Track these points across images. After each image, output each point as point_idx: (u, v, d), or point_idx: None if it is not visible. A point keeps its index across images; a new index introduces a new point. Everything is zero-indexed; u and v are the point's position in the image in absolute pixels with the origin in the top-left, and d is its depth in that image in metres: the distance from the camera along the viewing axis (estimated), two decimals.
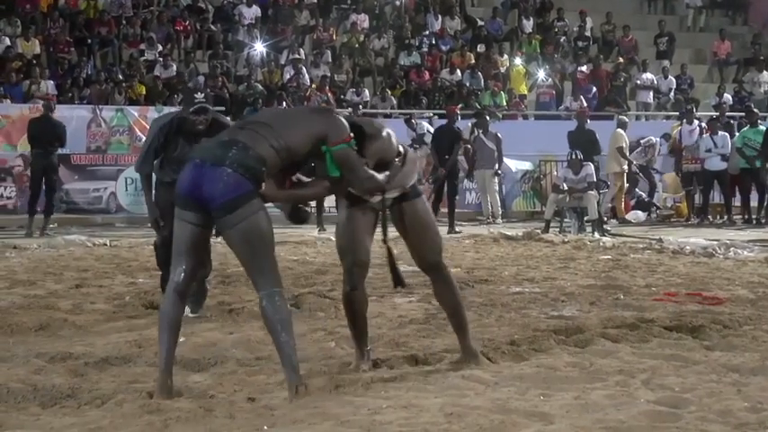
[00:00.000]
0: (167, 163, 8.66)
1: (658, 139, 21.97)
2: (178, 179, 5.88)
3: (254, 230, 5.70)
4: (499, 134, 20.08)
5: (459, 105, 22.90)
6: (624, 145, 20.27)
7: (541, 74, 26.88)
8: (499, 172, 20.29)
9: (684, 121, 22.07)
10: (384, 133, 6.30)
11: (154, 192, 8.83)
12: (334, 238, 15.53)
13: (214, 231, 6.09)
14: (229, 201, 5.63)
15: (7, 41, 24.06)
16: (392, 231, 6.51)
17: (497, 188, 20.50)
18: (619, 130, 20.57)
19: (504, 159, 20.53)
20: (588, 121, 21.01)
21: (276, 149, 5.77)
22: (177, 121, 8.65)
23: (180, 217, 5.84)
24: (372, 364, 6.48)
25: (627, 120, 21.37)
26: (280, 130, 5.86)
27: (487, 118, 20.74)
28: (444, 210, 18.18)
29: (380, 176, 6.15)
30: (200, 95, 8.63)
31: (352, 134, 5.99)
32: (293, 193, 6.19)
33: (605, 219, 18.61)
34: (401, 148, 6.42)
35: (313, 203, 18.57)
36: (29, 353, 6.93)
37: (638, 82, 27.41)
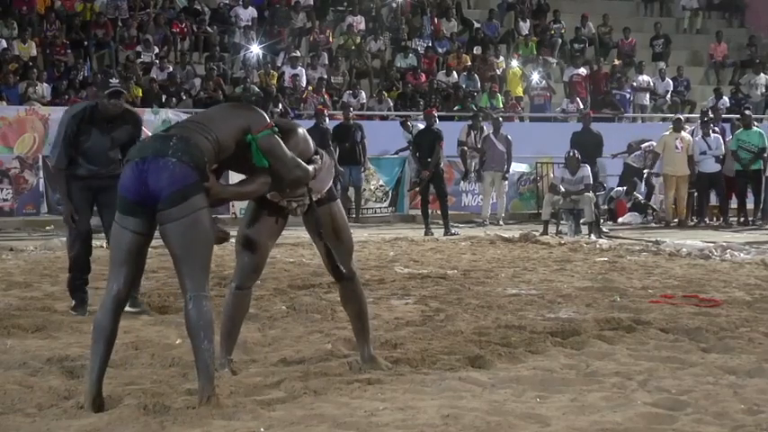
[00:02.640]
0: (79, 155, 8.77)
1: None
2: (120, 184, 5.66)
3: (197, 227, 5.55)
4: (509, 136, 20.09)
5: (436, 107, 22.98)
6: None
7: (536, 76, 26.90)
8: (507, 174, 20.32)
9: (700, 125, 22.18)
10: (300, 131, 6.29)
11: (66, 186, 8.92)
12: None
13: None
14: (177, 191, 5.49)
15: (4, 43, 24.03)
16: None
17: (506, 190, 20.54)
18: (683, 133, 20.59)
19: None
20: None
21: (210, 141, 5.69)
22: (90, 110, 8.77)
23: (121, 224, 5.64)
24: (231, 373, 6.35)
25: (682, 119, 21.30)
26: (208, 124, 5.79)
27: (480, 119, 20.76)
28: (437, 212, 18.19)
29: (311, 168, 6.14)
30: (114, 80, 8.83)
31: (272, 122, 5.98)
32: (237, 191, 6.13)
33: (602, 220, 18.59)
34: (319, 155, 6.41)
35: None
36: (25, 355, 6.93)
37: (635, 84, 27.43)
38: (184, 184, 5.50)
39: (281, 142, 5.95)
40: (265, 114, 6.02)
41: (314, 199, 6.31)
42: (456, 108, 25.25)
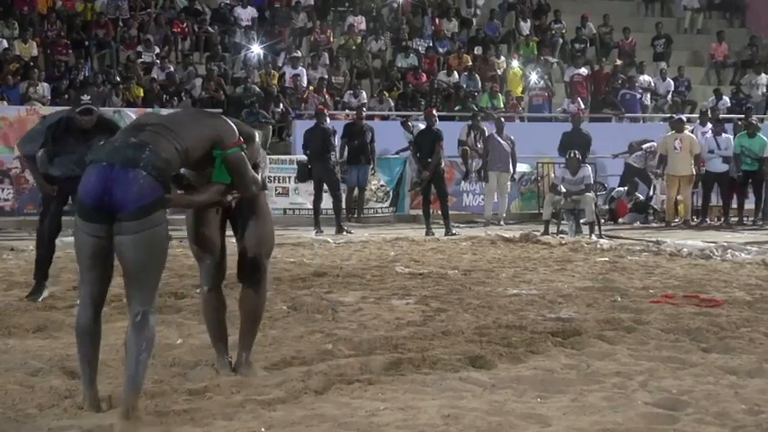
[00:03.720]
0: (58, 159, 9.20)
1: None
2: (81, 186, 5.50)
3: (155, 242, 5.44)
4: (512, 136, 20.10)
5: (437, 107, 23.01)
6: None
7: (534, 76, 26.91)
8: (515, 175, 20.33)
9: (698, 122, 22.19)
10: (257, 139, 6.27)
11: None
12: (331, 241, 15.67)
13: None
14: (142, 207, 5.34)
15: (4, 43, 24.04)
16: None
17: (509, 190, 20.55)
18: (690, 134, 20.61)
19: None
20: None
21: (179, 151, 5.55)
22: (65, 121, 9.21)
23: (83, 230, 5.48)
24: (231, 371, 6.39)
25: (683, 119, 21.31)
26: (178, 131, 5.63)
27: (479, 119, 20.77)
28: (438, 212, 18.19)
29: (258, 178, 6.14)
30: (86, 98, 9.23)
31: (241, 138, 5.92)
32: (191, 200, 5.99)
33: (602, 220, 18.58)
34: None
35: (309, 205, 18.63)
36: (26, 354, 6.93)
37: (636, 84, 27.41)
38: (150, 200, 5.36)
39: (246, 159, 5.91)
40: (235, 129, 5.92)
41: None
42: (456, 108, 25.24)
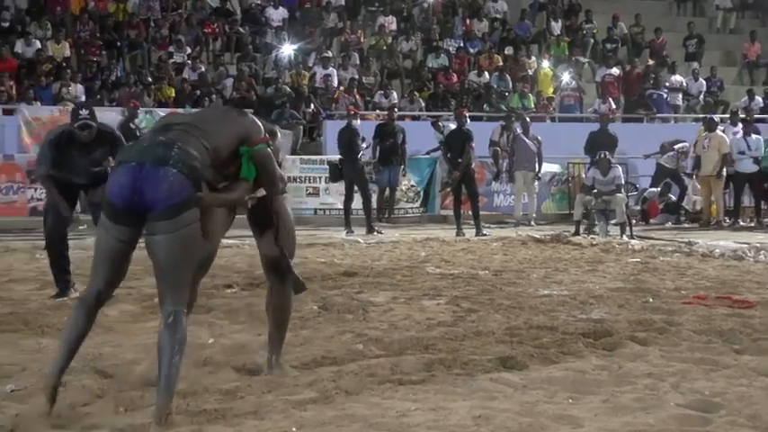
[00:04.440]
0: (62, 170, 9.47)
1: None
2: (109, 186, 5.47)
3: (189, 242, 5.37)
4: (539, 136, 20.09)
5: (468, 107, 23.02)
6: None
7: (566, 77, 26.85)
8: (540, 175, 20.29)
9: (729, 122, 22.08)
10: (279, 136, 6.26)
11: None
12: (362, 241, 15.70)
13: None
14: (174, 205, 5.29)
15: (38, 44, 24.23)
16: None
17: (537, 190, 20.52)
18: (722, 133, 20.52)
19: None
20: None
21: (208, 150, 5.50)
22: (67, 134, 9.45)
23: (108, 230, 5.46)
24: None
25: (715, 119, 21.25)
26: (207, 129, 5.60)
27: (512, 120, 20.74)
28: (469, 212, 18.19)
29: (284, 175, 6.16)
30: (84, 112, 9.39)
31: (267, 135, 5.91)
32: (225, 198, 5.87)
33: (633, 221, 18.51)
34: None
35: (340, 205, 18.66)
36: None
37: (668, 84, 27.32)
38: (182, 198, 5.30)
39: (273, 156, 5.91)
40: (261, 126, 5.92)
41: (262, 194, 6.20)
42: (484, 107, 25.25)
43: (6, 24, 25.02)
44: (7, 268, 11.51)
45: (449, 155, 18.38)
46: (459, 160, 17.80)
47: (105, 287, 5.55)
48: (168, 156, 5.33)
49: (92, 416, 5.43)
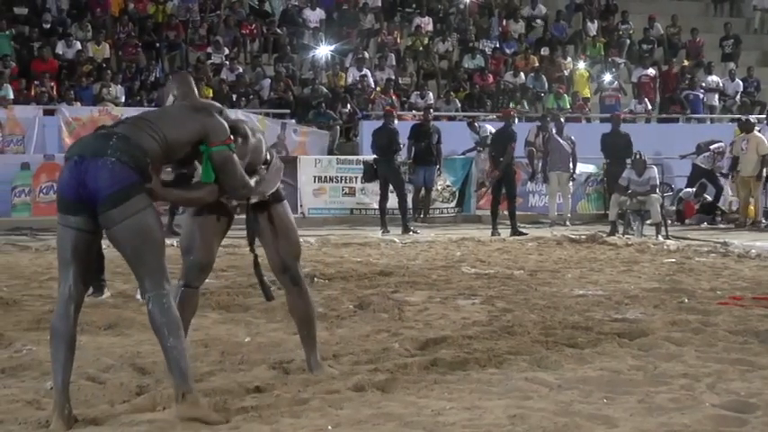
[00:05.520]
0: None
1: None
2: (58, 183, 5.55)
3: (143, 227, 5.36)
4: (573, 137, 20.07)
5: (515, 107, 22.99)
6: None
7: (608, 77, 26.80)
8: (575, 176, 20.27)
9: (765, 123, 21.96)
10: (254, 138, 6.10)
11: None
12: (398, 240, 15.74)
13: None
14: (116, 192, 5.29)
15: (78, 45, 24.42)
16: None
17: (572, 191, 20.50)
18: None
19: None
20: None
21: (157, 141, 5.48)
22: None
23: (64, 223, 5.43)
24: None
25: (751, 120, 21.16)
26: (158, 123, 5.58)
27: (548, 120, 20.71)
28: (505, 212, 18.18)
29: (252, 183, 5.99)
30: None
31: (232, 137, 5.80)
32: (183, 195, 5.94)
33: (669, 222, 18.43)
34: (268, 156, 6.30)
35: (376, 205, 18.69)
36: (98, 351, 7.04)
37: (704, 85, 27.19)
38: (124, 185, 5.31)
39: (236, 160, 5.78)
40: (226, 126, 5.79)
41: (255, 200, 6.20)
42: (515, 108, 25.25)
43: (48, 26, 25.22)
44: (48, 266, 11.62)
45: (493, 153, 18.38)
46: (501, 159, 17.82)
47: (74, 285, 5.47)
48: (105, 146, 5.35)
49: (130, 413, 5.46)
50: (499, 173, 17.80)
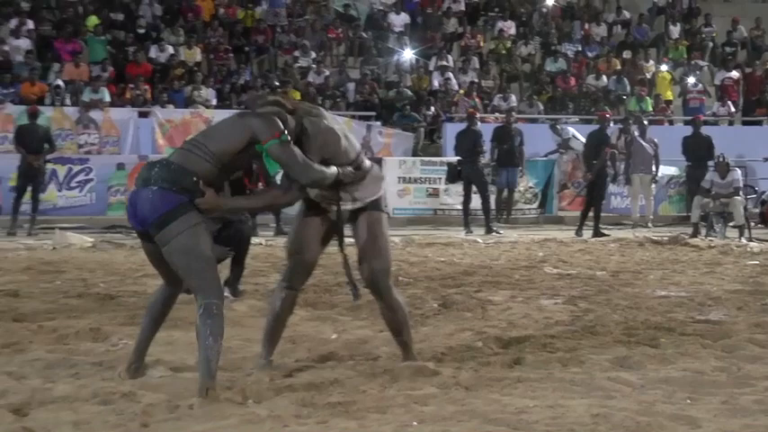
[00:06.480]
0: None
1: None
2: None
3: (187, 247, 5.80)
4: (655, 139, 20.00)
5: (608, 110, 22.93)
6: None
7: (692, 79, 26.60)
8: (657, 178, 20.19)
9: None
10: (328, 134, 6.21)
11: None
12: (481, 241, 15.80)
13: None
14: (159, 217, 5.78)
15: (170, 50, 24.91)
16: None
17: (654, 193, 20.42)
18: None
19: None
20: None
21: (206, 159, 5.87)
22: None
23: (142, 242, 6.12)
24: (270, 377, 6.32)
25: None
26: (204, 141, 5.96)
27: (630, 123, 20.64)
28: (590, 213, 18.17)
29: (323, 167, 6.09)
30: None
31: (284, 129, 5.97)
32: (240, 204, 6.52)
33: (752, 224, 18.27)
34: (367, 163, 6.39)
35: (459, 206, 18.77)
36: (190, 346, 7.02)
37: None
38: (165, 210, 5.77)
39: (293, 149, 5.97)
40: (273, 120, 6.00)
41: (354, 206, 6.34)
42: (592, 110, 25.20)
43: (142, 31, 25.77)
44: (142, 263, 11.75)
45: (586, 155, 18.39)
46: (594, 162, 17.82)
47: (167, 283, 6.23)
48: (149, 176, 5.87)
49: (221, 407, 5.55)
50: (591, 176, 17.82)
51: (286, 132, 5.96)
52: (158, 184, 5.79)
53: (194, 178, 5.82)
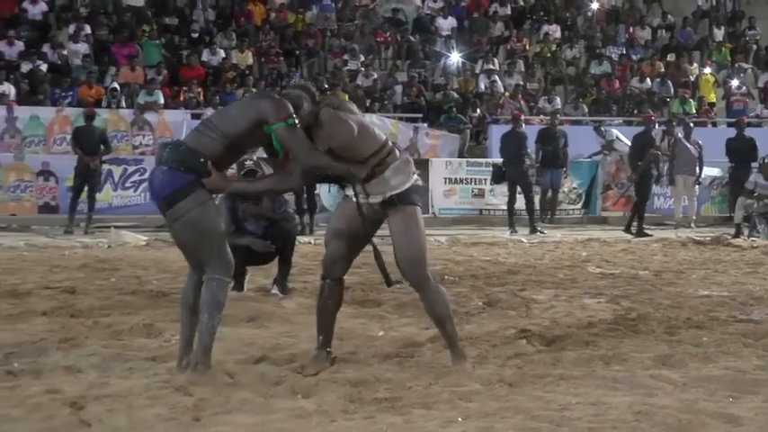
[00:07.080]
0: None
1: None
2: None
3: (196, 223, 6.05)
4: (700, 141, 20.01)
5: (652, 113, 22.91)
6: None
7: (735, 82, 26.52)
8: (701, 179, 20.19)
9: None
10: (338, 126, 6.21)
11: None
12: (525, 240, 15.87)
13: None
14: (168, 195, 6.06)
15: (222, 53, 25.19)
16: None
17: (697, 194, 20.42)
18: None
19: None
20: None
21: (216, 139, 6.09)
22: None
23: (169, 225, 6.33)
24: (330, 365, 6.47)
25: None
26: (216, 122, 6.19)
27: (674, 124, 20.63)
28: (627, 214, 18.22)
29: (329, 158, 6.17)
30: (249, 163, 9.63)
31: (292, 113, 6.06)
32: (246, 186, 6.84)
33: None
34: (396, 153, 6.38)
35: (504, 206, 18.84)
36: (239, 343, 7.27)
37: None
38: (173, 188, 6.05)
39: (298, 132, 6.06)
40: (283, 103, 6.10)
41: (378, 200, 6.36)
42: (636, 112, 25.19)
43: (195, 35, 26.08)
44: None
45: (631, 156, 18.46)
46: (640, 163, 17.87)
47: (193, 268, 6.37)
48: (161, 157, 6.16)
49: (272, 401, 5.65)
50: (636, 177, 17.88)
51: (294, 116, 6.08)
52: (168, 164, 6.06)
53: (201, 159, 6.04)
